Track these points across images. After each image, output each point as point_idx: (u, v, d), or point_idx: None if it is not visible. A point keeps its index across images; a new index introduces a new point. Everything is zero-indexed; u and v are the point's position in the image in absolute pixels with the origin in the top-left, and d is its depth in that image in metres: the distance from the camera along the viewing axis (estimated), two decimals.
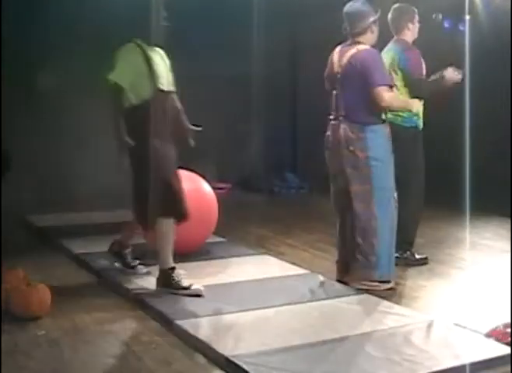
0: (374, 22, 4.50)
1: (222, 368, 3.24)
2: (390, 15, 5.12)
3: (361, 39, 4.48)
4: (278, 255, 5.44)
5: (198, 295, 4.24)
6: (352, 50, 4.46)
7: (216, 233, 5.76)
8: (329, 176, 4.66)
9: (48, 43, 7.41)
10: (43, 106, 7.65)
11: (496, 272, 4.89)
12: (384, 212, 4.44)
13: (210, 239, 5.63)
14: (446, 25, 7.13)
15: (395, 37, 5.13)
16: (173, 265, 4.36)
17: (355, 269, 4.51)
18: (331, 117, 4.57)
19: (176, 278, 4.32)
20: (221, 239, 5.92)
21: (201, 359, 3.37)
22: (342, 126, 4.46)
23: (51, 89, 7.37)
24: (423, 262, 5.10)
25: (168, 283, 4.31)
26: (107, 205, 7.02)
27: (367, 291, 4.35)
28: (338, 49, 4.61)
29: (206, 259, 5.29)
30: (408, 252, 5.08)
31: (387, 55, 5.01)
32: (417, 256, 5.11)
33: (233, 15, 7.66)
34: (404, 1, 5.24)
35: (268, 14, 7.51)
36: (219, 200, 5.59)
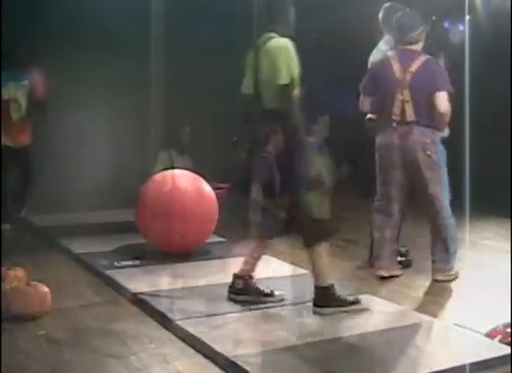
0: (423, 31, 4.72)
1: (222, 368, 3.24)
2: (380, 14, 5.13)
3: (413, 46, 4.70)
4: (278, 255, 5.43)
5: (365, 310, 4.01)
6: (422, 58, 4.66)
7: (216, 233, 5.76)
8: (379, 178, 4.84)
9: (48, 41, 7.38)
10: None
11: (496, 272, 4.89)
12: (449, 211, 4.72)
13: (210, 239, 5.63)
14: (446, 25, 7.13)
15: (386, 37, 5.13)
16: (332, 282, 4.01)
17: (436, 263, 4.74)
18: (395, 122, 4.65)
19: (339, 294, 3.99)
20: (221, 239, 5.91)
21: (201, 359, 3.37)
22: (415, 131, 4.61)
23: (50, 87, 7.34)
24: (406, 264, 5.09)
25: (331, 301, 3.94)
26: (107, 205, 7.02)
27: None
28: (392, 55, 4.76)
29: (206, 259, 5.30)
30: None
31: (378, 54, 5.03)
32: (398, 259, 5.10)
33: (232, 14, 7.65)
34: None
35: (268, 12, 7.51)
36: (218, 200, 5.59)
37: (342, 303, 3.95)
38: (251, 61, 4.07)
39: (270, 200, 4.00)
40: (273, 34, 3.99)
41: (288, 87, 3.83)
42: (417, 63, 4.65)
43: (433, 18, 4.66)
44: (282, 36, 3.98)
